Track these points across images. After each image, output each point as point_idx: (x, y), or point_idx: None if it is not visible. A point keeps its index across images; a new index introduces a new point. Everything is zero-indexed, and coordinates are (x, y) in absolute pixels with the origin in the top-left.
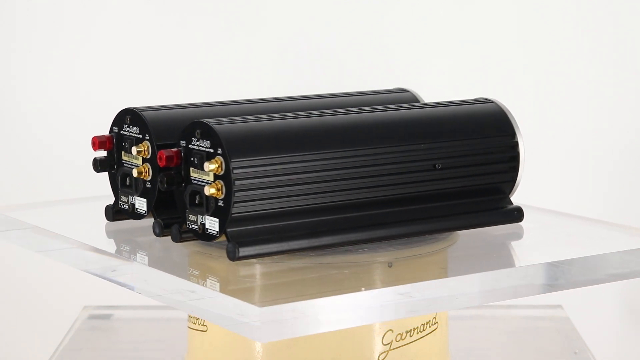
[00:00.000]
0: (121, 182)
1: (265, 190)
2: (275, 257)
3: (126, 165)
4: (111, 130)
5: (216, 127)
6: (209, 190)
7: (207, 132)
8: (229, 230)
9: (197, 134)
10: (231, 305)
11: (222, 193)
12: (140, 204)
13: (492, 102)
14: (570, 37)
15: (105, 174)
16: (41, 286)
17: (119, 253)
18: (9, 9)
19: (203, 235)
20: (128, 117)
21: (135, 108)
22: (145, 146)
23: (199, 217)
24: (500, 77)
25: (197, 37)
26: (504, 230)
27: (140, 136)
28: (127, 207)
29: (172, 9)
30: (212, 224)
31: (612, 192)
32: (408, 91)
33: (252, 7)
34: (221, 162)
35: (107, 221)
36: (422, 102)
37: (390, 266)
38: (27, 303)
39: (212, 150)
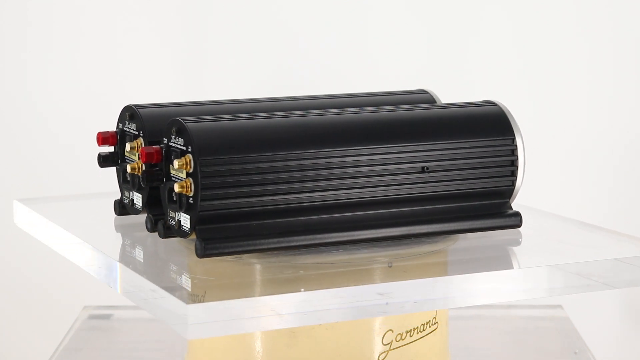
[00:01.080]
0: (123, 177)
1: (234, 189)
2: (253, 255)
3: (128, 161)
4: (117, 126)
5: (189, 125)
6: (177, 188)
7: (181, 130)
8: (197, 227)
9: (174, 131)
10: (173, 302)
11: (190, 190)
12: (137, 199)
13: (495, 104)
14: (570, 37)
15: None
16: (41, 286)
17: (108, 248)
18: (23, 9)
19: (179, 231)
20: (128, 114)
21: (133, 105)
22: (139, 142)
23: (176, 213)
24: (501, 78)
25: (213, 36)
26: (502, 235)
27: (137, 132)
28: (127, 202)
29: (176, 9)
30: (185, 220)
31: (613, 192)
32: (427, 92)
33: (264, 5)
34: (190, 160)
35: (115, 216)
36: (424, 104)
37: (390, 266)
38: (27, 303)
39: (184, 148)
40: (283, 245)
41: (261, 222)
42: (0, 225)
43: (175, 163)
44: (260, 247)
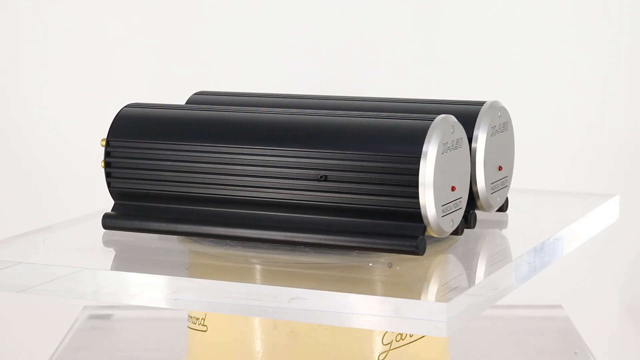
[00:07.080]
0: None
1: (136, 170)
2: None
3: None
4: None
5: (124, 108)
6: (101, 164)
7: None
8: (114, 201)
9: None
10: None
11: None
12: None
13: (431, 119)
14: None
15: None
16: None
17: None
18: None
19: None
20: None
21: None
22: None
23: None
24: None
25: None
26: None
27: None
28: None
29: (177, 7)
30: None
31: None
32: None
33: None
34: (106, 139)
35: None
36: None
37: (390, 266)
38: (27, 303)
39: None
40: (173, 230)
41: (158, 205)
42: None
43: (101, 141)
44: (153, 228)
